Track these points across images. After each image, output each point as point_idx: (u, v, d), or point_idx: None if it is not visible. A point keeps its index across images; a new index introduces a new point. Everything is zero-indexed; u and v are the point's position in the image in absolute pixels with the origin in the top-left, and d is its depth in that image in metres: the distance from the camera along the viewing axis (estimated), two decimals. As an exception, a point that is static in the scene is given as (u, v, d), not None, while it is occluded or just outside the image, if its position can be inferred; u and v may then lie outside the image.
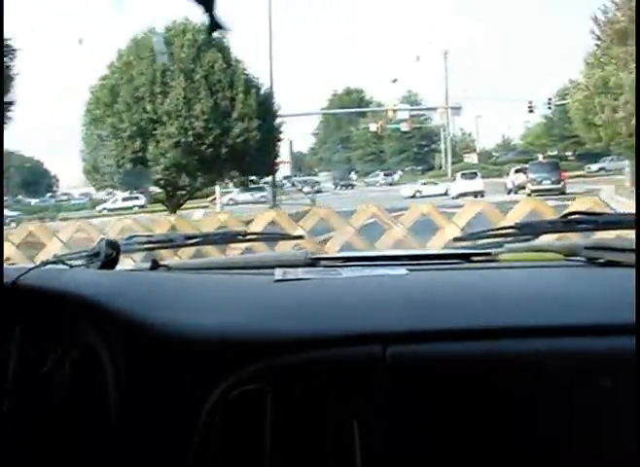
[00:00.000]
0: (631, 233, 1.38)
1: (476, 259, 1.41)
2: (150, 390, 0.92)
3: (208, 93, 24.71)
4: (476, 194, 33.49)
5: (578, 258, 1.35)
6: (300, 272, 1.27)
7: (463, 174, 39.20)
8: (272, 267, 1.34)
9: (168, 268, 1.46)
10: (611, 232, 1.81)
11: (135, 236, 1.72)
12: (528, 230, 1.54)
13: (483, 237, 1.56)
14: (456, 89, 70.59)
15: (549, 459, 0.86)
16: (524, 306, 1.00)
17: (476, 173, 39.34)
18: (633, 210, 1.70)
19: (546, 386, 0.87)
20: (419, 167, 71.00)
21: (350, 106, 76.79)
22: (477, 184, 36.22)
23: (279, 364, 0.90)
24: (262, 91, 27.24)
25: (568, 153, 67.01)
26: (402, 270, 1.27)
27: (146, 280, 1.29)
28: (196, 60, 24.88)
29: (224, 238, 2.10)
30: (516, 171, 37.79)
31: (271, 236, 2.45)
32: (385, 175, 67.92)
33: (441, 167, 66.86)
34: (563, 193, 28.75)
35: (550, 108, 52.92)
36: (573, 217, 1.60)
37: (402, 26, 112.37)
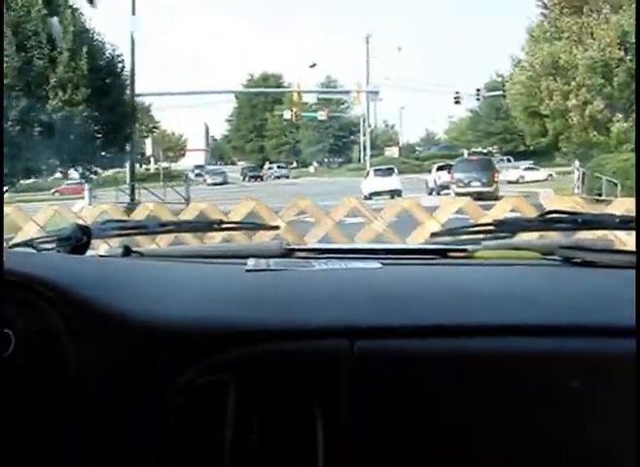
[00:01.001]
0: (609, 234, 1.87)
1: (452, 255, 1.39)
2: (110, 378, 0.89)
3: (15, 48, 17.43)
4: (392, 193, 26.95)
5: (554, 257, 1.32)
6: (272, 263, 1.25)
7: (377, 170, 32.58)
8: (246, 256, 1.32)
9: (140, 254, 1.43)
10: (593, 232, 1.86)
11: (109, 222, 1.77)
12: (506, 227, 1.53)
13: (461, 233, 1.57)
14: (379, 77, 64.99)
15: (515, 457, 0.84)
16: (495, 305, 0.99)
17: (392, 169, 32.95)
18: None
19: (515, 386, 0.85)
20: (337, 160, 65.37)
21: (266, 92, 70.77)
22: (393, 182, 29.42)
23: (243, 355, 0.87)
24: (106, 54, 19.98)
25: (494, 150, 62.19)
26: (375, 264, 1.25)
27: (115, 267, 1.25)
28: (4, 1, 17.47)
29: (198, 227, 2.15)
30: (439, 168, 32.07)
31: (246, 226, 2.38)
32: (279, 168, 61.68)
33: (359, 160, 61.26)
34: (497, 198, 22.02)
35: (478, 99, 47.02)
36: (551, 216, 1.55)
37: (325, 9, 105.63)
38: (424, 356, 0.86)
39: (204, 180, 55.29)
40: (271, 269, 1.21)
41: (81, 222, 2.74)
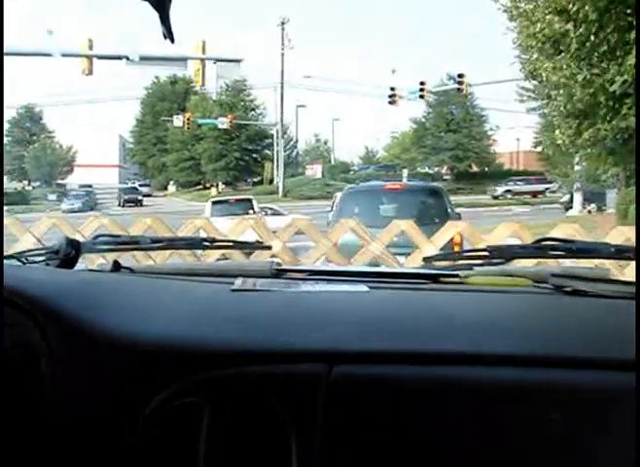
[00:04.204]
0: (605, 263, 1.71)
1: (443, 280, 1.32)
2: (87, 395, 0.85)
3: None
4: (246, 247, 9.84)
5: (546, 285, 1.26)
6: (259, 283, 1.20)
7: (217, 203, 16.17)
8: (236, 275, 1.27)
9: (130, 270, 1.37)
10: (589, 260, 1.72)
11: (101, 236, 1.69)
12: (499, 253, 1.46)
13: (454, 259, 1.52)
14: (296, 76, 48.78)
15: None
16: (479, 334, 0.93)
17: (249, 201, 16.36)
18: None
19: (498, 417, 0.81)
20: (251, 179, 48.93)
21: (172, 98, 54.42)
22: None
23: (217, 378, 0.84)
24: None
25: (444, 170, 46.29)
26: (362, 287, 1.20)
27: (102, 282, 1.19)
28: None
29: (190, 244, 2.06)
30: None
31: (239, 245, 2.15)
32: (142, 185, 50.57)
33: (271, 181, 44.80)
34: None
35: (422, 96, 30.55)
36: (546, 243, 1.50)
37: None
38: (403, 383, 0.82)
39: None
40: (257, 290, 1.14)
41: (77, 235, 2.80)
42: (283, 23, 43.55)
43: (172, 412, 0.81)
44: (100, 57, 17.53)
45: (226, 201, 16.67)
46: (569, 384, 0.81)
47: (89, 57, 17.42)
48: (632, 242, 2.76)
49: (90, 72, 17.65)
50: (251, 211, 15.55)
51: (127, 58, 17.47)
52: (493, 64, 70.56)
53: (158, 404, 0.81)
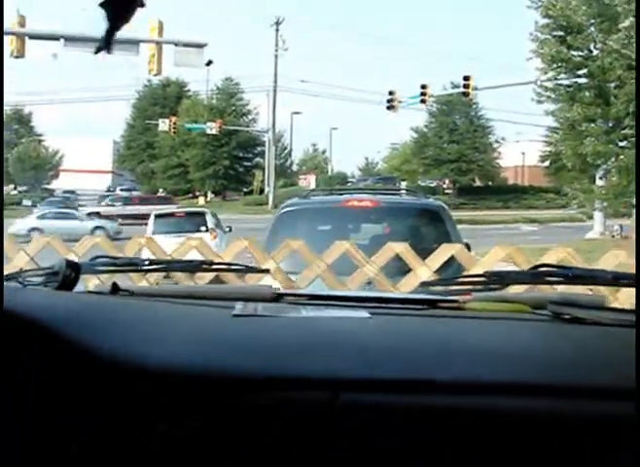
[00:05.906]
0: (601, 289, 1.78)
1: (441, 305, 1.32)
2: (84, 419, 0.83)
3: None
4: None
5: (544, 312, 1.26)
6: (259, 308, 1.18)
7: (161, 216, 12.80)
8: (235, 299, 1.27)
9: (129, 292, 1.35)
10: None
11: (99, 257, 1.67)
12: (497, 279, 1.45)
13: (452, 284, 1.52)
14: (292, 78, 45.70)
15: None
16: (483, 361, 0.93)
17: (203, 215, 13.03)
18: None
19: (503, 447, 0.81)
20: (243, 189, 45.82)
21: (164, 102, 51.34)
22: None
23: (220, 405, 0.83)
24: None
25: (445, 184, 43.13)
26: (364, 313, 1.19)
27: (103, 305, 1.20)
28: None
29: (188, 267, 2.05)
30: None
31: (237, 268, 2.17)
32: (123, 190, 48.11)
33: (262, 191, 41.64)
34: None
35: (423, 101, 27.39)
36: (542, 269, 1.48)
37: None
38: (408, 411, 0.82)
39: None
40: (257, 315, 1.13)
41: (71, 255, 2.76)
42: (278, 23, 40.52)
43: (172, 440, 0.78)
44: (33, 37, 14.36)
45: (172, 215, 13.46)
46: (570, 413, 0.80)
47: (20, 36, 14.22)
48: (627, 266, 2.65)
49: (22, 54, 14.51)
50: (203, 228, 12.34)
51: (65, 39, 14.28)
52: (500, 70, 67.26)
53: (157, 433, 0.79)
